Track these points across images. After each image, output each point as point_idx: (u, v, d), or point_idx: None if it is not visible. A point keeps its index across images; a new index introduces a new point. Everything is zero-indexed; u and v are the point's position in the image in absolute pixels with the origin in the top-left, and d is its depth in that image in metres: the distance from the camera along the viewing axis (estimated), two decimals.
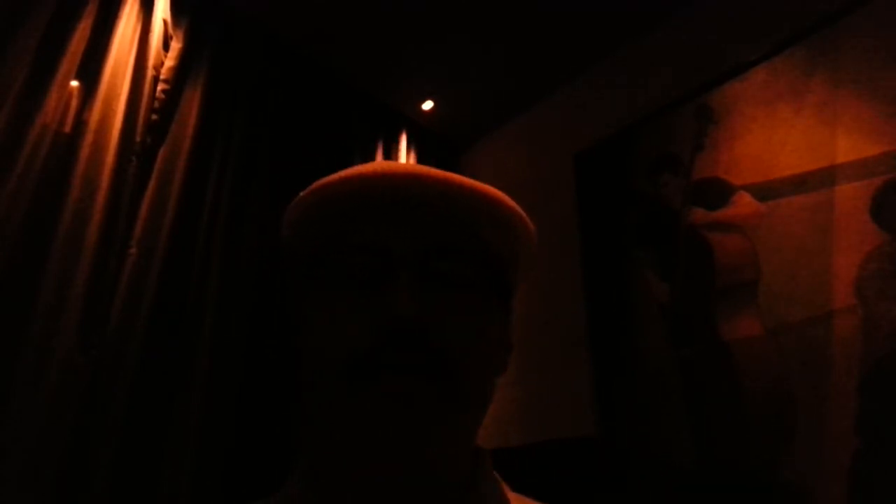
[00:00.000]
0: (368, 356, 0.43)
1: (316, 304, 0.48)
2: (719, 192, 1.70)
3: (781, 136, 1.61)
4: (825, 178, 1.50)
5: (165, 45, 1.81)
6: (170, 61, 1.80)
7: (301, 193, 0.51)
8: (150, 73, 1.73)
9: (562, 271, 2.06)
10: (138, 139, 1.66)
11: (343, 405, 0.44)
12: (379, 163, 0.50)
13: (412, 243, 0.46)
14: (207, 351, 1.60)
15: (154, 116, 1.72)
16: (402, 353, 0.43)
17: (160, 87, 1.76)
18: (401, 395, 0.42)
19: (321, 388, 0.45)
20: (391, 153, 2.39)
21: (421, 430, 0.43)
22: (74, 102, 1.61)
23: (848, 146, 1.48)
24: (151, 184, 1.67)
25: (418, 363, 0.43)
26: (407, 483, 0.44)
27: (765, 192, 1.60)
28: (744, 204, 1.64)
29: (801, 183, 1.54)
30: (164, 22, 1.81)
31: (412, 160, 2.45)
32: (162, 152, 1.72)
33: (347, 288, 0.46)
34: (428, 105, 2.43)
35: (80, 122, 1.59)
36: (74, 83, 1.61)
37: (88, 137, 1.56)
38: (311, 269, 0.50)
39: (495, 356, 0.51)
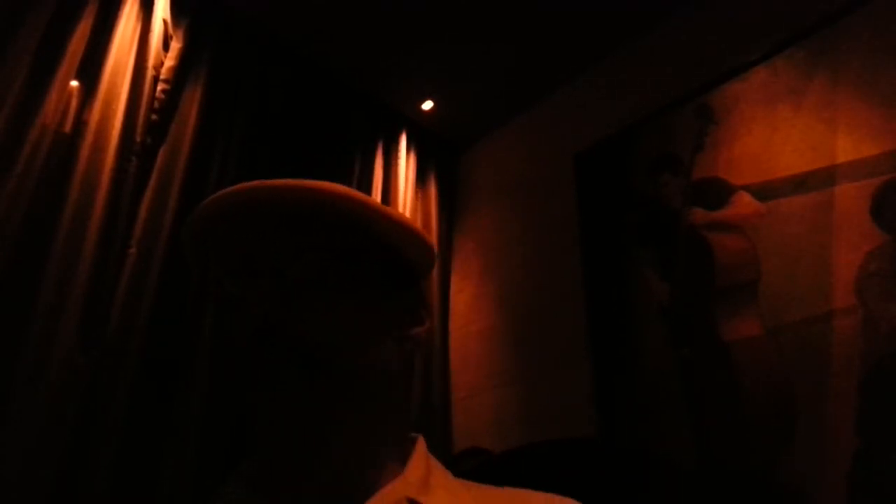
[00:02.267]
0: (248, 355, 0.49)
1: (217, 311, 0.54)
2: (719, 192, 1.70)
3: (781, 136, 1.61)
4: (825, 178, 1.50)
5: (165, 45, 1.81)
6: (170, 61, 1.80)
7: (189, 216, 0.56)
8: (150, 73, 1.73)
9: (562, 271, 2.06)
10: (138, 139, 1.66)
11: (246, 402, 0.51)
12: (235, 186, 0.53)
13: (271, 249, 0.52)
14: (207, 351, 1.60)
15: (154, 116, 1.72)
16: (265, 348, 0.48)
17: (160, 87, 1.76)
18: (265, 381, 0.48)
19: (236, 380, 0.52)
20: (391, 153, 2.39)
21: (285, 410, 0.49)
22: (74, 102, 1.61)
23: (848, 146, 1.48)
24: (151, 184, 1.67)
25: (282, 355, 0.48)
26: (302, 473, 0.50)
27: (765, 192, 1.60)
28: (744, 204, 1.64)
29: (801, 183, 1.54)
30: (164, 22, 1.81)
31: (412, 160, 2.45)
32: (162, 152, 1.72)
33: (229, 295, 0.52)
34: (428, 105, 2.43)
35: (80, 122, 1.59)
36: (74, 83, 1.61)
37: (88, 137, 1.56)
38: (205, 282, 0.57)
39: (370, 342, 0.53)
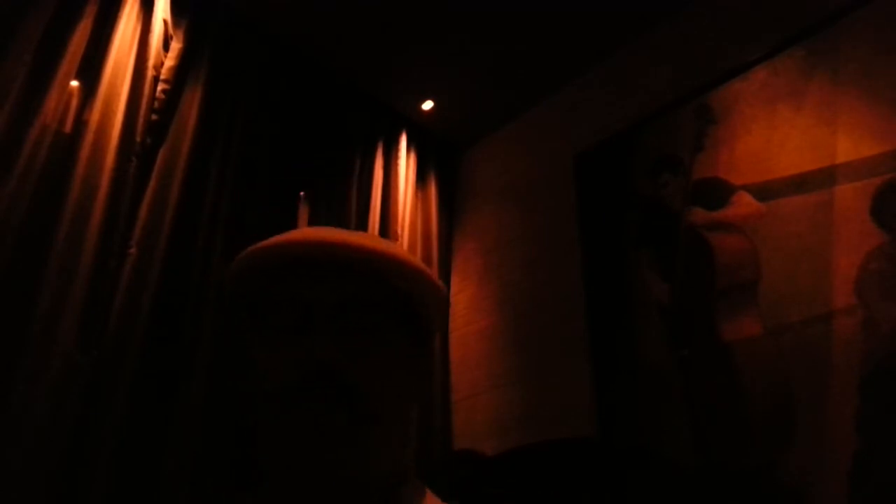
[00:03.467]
0: (292, 391, 0.52)
1: (255, 347, 0.58)
2: (719, 192, 1.70)
3: (781, 136, 1.61)
4: (825, 178, 1.50)
5: (165, 45, 1.81)
6: (170, 61, 1.80)
7: (239, 255, 0.61)
8: (150, 73, 1.73)
9: (562, 271, 2.06)
10: (138, 139, 1.66)
11: (271, 436, 0.54)
12: (305, 230, 0.61)
13: (329, 297, 0.56)
14: (207, 351, 1.60)
15: (154, 116, 1.72)
16: (319, 388, 0.52)
17: (160, 87, 1.76)
18: (313, 423, 0.51)
19: (259, 417, 0.55)
20: (391, 153, 2.39)
21: (332, 453, 0.52)
22: (74, 102, 1.61)
23: (848, 146, 1.48)
24: (151, 184, 1.67)
25: (330, 398, 0.52)
26: (326, 500, 0.53)
27: (765, 192, 1.60)
28: (744, 204, 1.64)
29: (801, 183, 1.54)
30: (164, 22, 1.81)
31: (412, 160, 2.45)
32: (162, 152, 1.72)
33: (278, 334, 0.56)
34: (428, 105, 2.43)
35: (80, 122, 1.59)
36: (74, 83, 1.61)
37: (88, 137, 1.56)
38: (251, 318, 0.60)
39: (406, 387, 0.59)
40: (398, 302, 0.59)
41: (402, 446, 0.58)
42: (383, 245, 0.60)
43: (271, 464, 0.55)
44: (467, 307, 2.35)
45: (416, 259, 0.63)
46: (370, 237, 0.63)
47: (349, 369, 0.53)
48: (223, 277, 0.63)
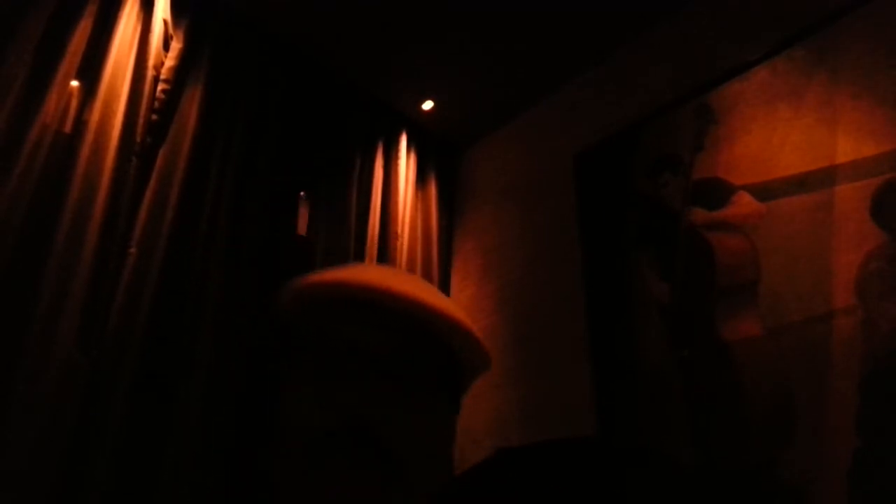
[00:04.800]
0: (323, 441, 0.50)
1: (291, 385, 0.55)
2: (719, 192, 1.70)
3: (781, 136, 1.61)
4: (825, 178, 1.50)
5: (165, 45, 1.81)
6: (170, 61, 1.80)
7: (293, 285, 0.59)
8: (150, 73, 1.73)
9: (562, 271, 2.06)
10: (138, 139, 1.66)
11: (296, 483, 0.51)
12: (366, 269, 0.61)
13: (380, 342, 0.54)
14: (207, 351, 1.60)
15: (154, 116, 1.72)
16: (353, 442, 0.50)
17: (160, 87, 1.76)
18: (343, 478, 0.49)
19: (284, 462, 0.53)
20: (391, 153, 2.38)
21: None
22: (74, 102, 1.61)
23: (848, 146, 1.48)
24: (151, 184, 1.67)
25: (360, 455, 0.50)
26: None
27: (765, 192, 1.60)
28: (744, 204, 1.64)
29: (801, 183, 1.54)
30: (164, 22, 1.81)
31: (412, 160, 2.45)
32: (162, 152, 1.72)
33: (318, 376, 0.54)
34: (428, 105, 2.43)
35: (80, 122, 1.59)
36: (74, 83, 1.61)
37: (88, 137, 1.56)
38: (295, 352, 0.58)
39: (440, 450, 0.58)
40: (442, 358, 0.59)
41: None
42: (439, 297, 0.60)
43: None
44: (467, 307, 2.35)
45: (466, 316, 0.62)
46: (424, 286, 0.62)
47: (384, 425, 0.51)
48: (272, 306, 0.62)
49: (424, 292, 0.58)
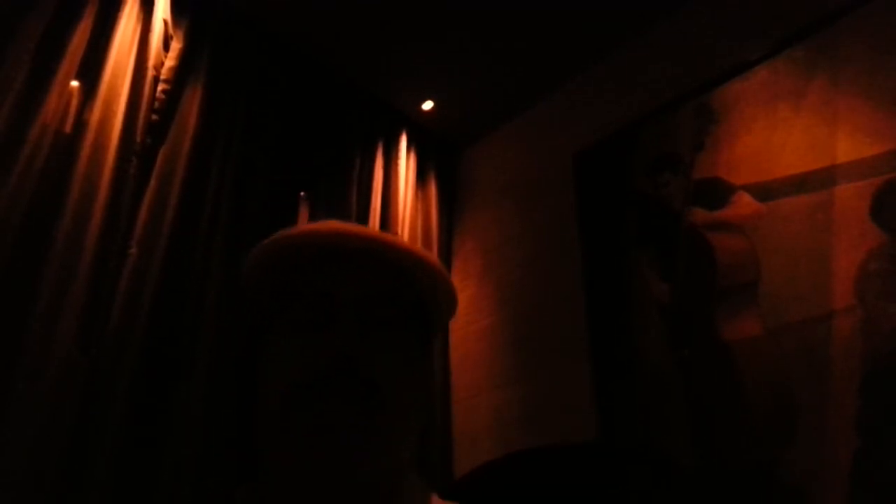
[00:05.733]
0: (306, 387, 0.52)
1: (271, 340, 0.57)
2: (719, 192, 1.70)
3: (781, 136, 1.61)
4: (825, 178, 1.50)
5: (165, 45, 1.81)
6: (170, 61, 1.80)
7: (262, 244, 0.60)
8: (150, 73, 1.73)
9: (562, 271, 2.06)
10: (138, 139, 1.66)
11: (281, 431, 0.53)
12: (328, 222, 0.60)
13: (353, 291, 0.56)
14: (207, 350, 1.60)
15: (154, 116, 1.72)
16: (337, 383, 0.51)
17: (160, 87, 1.76)
18: (330, 422, 0.51)
19: (266, 413, 0.55)
20: (391, 153, 2.38)
21: (347, 443, 0.51)
22: (74, 102, 1.61)
23: (848, 146, 1.48)
24: (151, 184, 1.67)
25: (349, 391, 0.52)
26: (336, 498, 0.53)
27: (765, 192, 1.60)
28: (744, 204, 1.64)
29: (801, 183, 1.54)
30: (164, 22, 1.81)
31: (412, 160, 2.45)
32: (162, 152, 1.72)
33: (298, 329, 0.55)
34: (428, 105, 2.43)
35: (80, 122, 1.59)
36: (74, 83, 1.61)
37: (88, 137, 1.56)
38: (268, 310, 0.60)
39: (418, 386, 0.58)
40: (414, 298, 0.60)
41: (408, 442, 0.57)
42: (404, 241, 0.61)
43: (282, 457, 0.54)
44: (467, 307, 2.35)
45: (434, 256, 0.63)
46: (390, 234, 0.64)
47: (369, 363, 0.53)
48: (242, 265, 0.64)
49: (388, 236, 0.60)
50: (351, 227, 0.59)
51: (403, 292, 0.59)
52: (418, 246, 0.63)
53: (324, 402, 0.51)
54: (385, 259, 0.58)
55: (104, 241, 1.52)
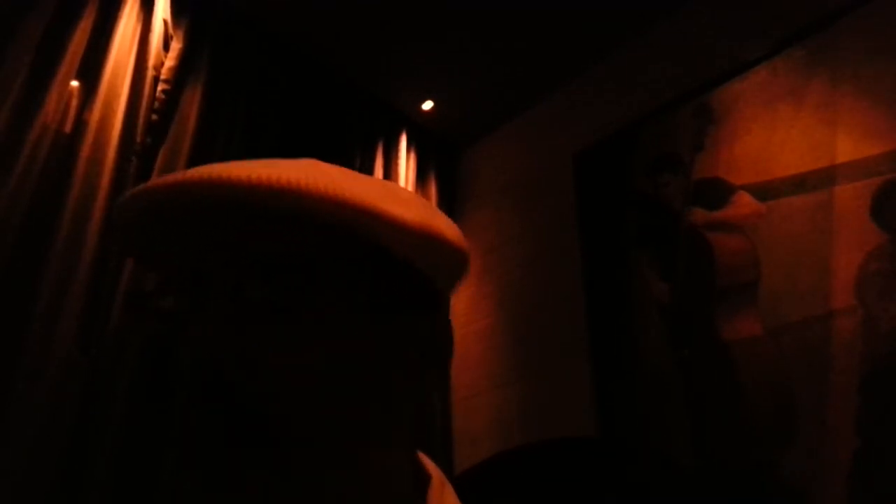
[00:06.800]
0: (186, 418, 0.34)
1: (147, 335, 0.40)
2: (719, 192, 1.70)
3: (781, 136, 1.61)
4: (825, 178, 1.50)
5: (165, 45, 1.81)
6: (170, 61, 1.80)
7: (121, 199, 0.40)
8: (150, 73, 1.73)
9: (562, 271, 2.06)
10: (138, 139, 1.66)
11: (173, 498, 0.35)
12: (200, 168, 0.37)
13: (225, 260, 0.36)
14: None
15: (154, 116, 1.72)
16: (206, 416, 0.33)
17: (160, 87, 1.76)
18: (215, 483, 0.33)
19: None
20: (391, 153, 2.38)
21: None
22: (74, 102, 1.61)
23: (848, 146, 1.48)
24: None
25: (238, 429, 0.33)
26: None
27: (765, 192, 1.60)
28: (744, 204, 1.64)
29: (801, 183, 1.54)
30: (164, 22, 1.81)
31: (412, 160, 2.45)
32: (162, 152, 1.72)
33: (164, 316, 0.38)
34: (428, 105, 2.43)
35: (80, 122, 1.59)
36: (74, 83, 1.61)
37: (88, 137, 1.56)
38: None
39: (360, 387, 0.37)
40: (359, 255, 0.38)
41: (379, 458, 0.39)
42: (279, 173, 0.36)
43: None
44: (467, 307, 2.35)
45: (378, 192, 0.40)
46: (311, 163, 0.40)
47: (252, 384, 0.33)
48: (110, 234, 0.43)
49: (301, 172, 0.37)
50: (221, 170, 0.36)
51: (308, 254, 0.37)
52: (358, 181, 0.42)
53: (204, 448, 0.33)
54: (267, 209, 0.35)
55: (104, 241, 1.52)
